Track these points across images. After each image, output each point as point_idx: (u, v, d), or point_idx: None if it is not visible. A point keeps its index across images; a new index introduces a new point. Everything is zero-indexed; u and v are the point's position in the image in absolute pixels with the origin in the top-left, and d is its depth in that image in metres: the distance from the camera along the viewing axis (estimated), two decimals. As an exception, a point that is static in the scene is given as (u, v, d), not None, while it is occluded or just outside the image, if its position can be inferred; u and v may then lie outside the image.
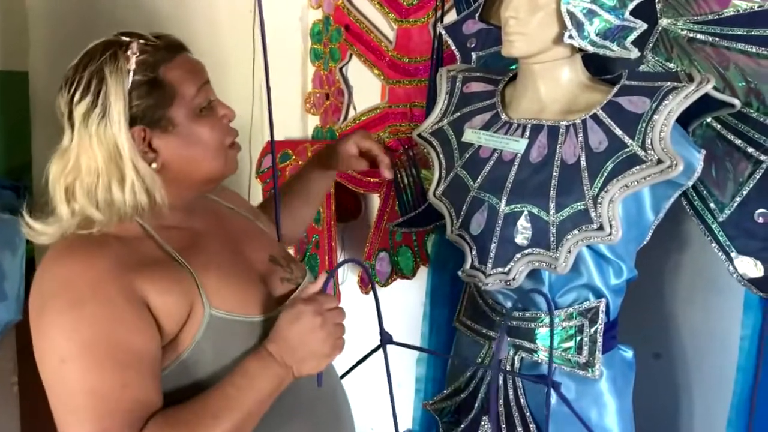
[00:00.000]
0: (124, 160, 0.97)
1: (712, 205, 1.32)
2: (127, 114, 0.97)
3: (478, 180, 1.35)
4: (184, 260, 1.01)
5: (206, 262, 1.03)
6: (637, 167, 1.19)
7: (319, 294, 1.02)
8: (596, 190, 1.22)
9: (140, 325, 0.94)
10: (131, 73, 0.97)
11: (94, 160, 0.97)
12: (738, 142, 1.30)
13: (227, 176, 1.08)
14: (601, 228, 1.21)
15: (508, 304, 1.37)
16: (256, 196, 2.15)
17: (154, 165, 1.00)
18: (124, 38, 1.00)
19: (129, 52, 0.98)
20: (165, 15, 2.57)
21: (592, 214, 1.22)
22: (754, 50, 1.28)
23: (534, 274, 1.30)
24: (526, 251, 1.27)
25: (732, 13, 1.30)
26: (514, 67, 1.42)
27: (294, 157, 2.06)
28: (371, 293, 1.89)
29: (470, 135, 1.39)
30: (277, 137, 2.19)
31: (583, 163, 1.24)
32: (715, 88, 1.26)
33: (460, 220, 1.37)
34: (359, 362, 1.33)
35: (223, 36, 2.36)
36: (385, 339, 1.21)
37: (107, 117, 0.96)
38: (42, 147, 2.70)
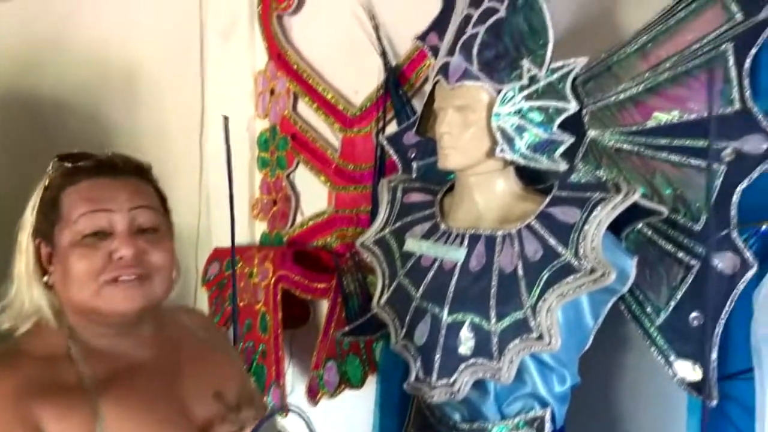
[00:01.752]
0: (23, 266, 1.02)
1: (648, 309, 1.34)
2: (32, 225, 1.02)
3: (421, 289, 1.36)
4: (94, 388, 0.97)
5: (120, 392, 0.98)
6: (572, 276, 1.21)
7: None
8: (534, 299, 1.23)
9: None
10: (44, 189, 1.02)
11: (16, 261, 1.04)
12: (669, 247, 1.34)
13: (108, 314, 1.00)
14: (540, 337, 1.22)
15: (456, 416, 1.35)
16: (202, 305, 2.11)
17: (45, 278, 1.02)
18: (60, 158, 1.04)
19: (47, 170, 1.04)
20: (116, 126, 2.60)
21: (532, 323, 1.23)
22: (677, 159, 1.34)
23: (479, 384, 1.29)
24: (470, 362, 1.27)
25: (654, 125, 1.37)
26: (452, 176, 1.47)
27: (241, 263, 2.05)
28: (321, 403, 1.86)
29: (411, 244, 1.41)
30: (224, 244, 2.20)
31: (521, 272, 1.26)
32: (644, 195, 1.32)
33: (404, 330, 1.37)
34: None
35: (172, 146, 2.38)
36: None
37: (22, 224, 1.03)
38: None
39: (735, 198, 1.27)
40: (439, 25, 1.61)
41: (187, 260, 2.17)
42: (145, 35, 2.49)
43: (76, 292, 0.99)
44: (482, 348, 1.27)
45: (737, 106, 1.29)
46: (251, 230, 2.21)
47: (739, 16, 1.30)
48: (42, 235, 1.02)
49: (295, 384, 1.99)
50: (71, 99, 2.72)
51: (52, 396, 0.94)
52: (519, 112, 1.28)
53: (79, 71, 2.60)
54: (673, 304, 1.32)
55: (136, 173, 1.06)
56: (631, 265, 1.28)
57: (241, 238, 2.21)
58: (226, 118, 1.14)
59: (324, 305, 2.00)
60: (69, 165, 1.02)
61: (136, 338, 1.05)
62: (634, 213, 1.31)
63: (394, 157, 1.70)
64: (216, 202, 2.24)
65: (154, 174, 1.11)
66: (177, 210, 1.12)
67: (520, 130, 1.29)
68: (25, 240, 1.03)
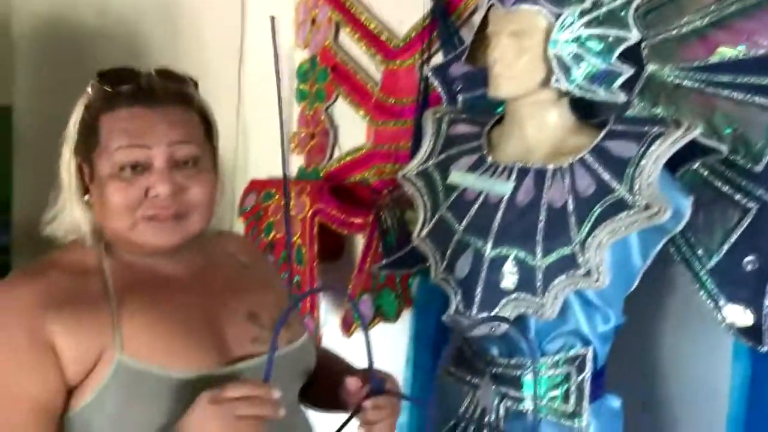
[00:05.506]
0: (62, 182, 1.01)
1: (700, 251, 1.30)
2: (74, 142, 1.01)
3: (464, 223, 1.33)
4: (117, 299, 0.95)
5: (143, 303, 0.96)
6: (625, 213, 1.17)
7: (235, 396, 0.88)
8: (583, 235, 1.20)
9: (37, 370, 0.90)
10: (84, 109, 1.00)
11: (60, 173, 1.03)
12: (725, 188, 1.29)
13: (143, 246, 0.99)
14: (588, 274, 1.18)
15: (494, 351, 1.33)
16: (238, 236, 2.11)
17: (86, 197, 1.01)
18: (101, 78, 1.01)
19: (87, 88, 1.01)
20: (151, 54, 2.57)
21: (579, 260, 1.20)
22: (739, 97, 1.28)
23: (520, 320, 1.27)
24: (512, 296, 1.25)
25: (718, 60, 1.30)
26: (500, 109, 1.42)
27: (277, 196, 2.03)
28: (354, 337, 1.86)
29: (456, 177, 1.38)
30: (261, 176, 2.19)
31: (571, 207, 1.22)
32: (703, 133, 1.26)
33: (444, 263, 1.35)
34: (348, 420, 1.10)
35: (210, 77, 2.33)
36: (375, 388, 1.05)
37: (66, 137, 1.01)
38: (24, 183, 2.66)
39: (800, 139, 1.21)
40: (493, -50, 1.54)
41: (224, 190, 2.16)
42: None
43: (112, 222, 0.98)
44: (526, 283, 1.24)
45: (810, 41, 1.22)
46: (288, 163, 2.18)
47: (818, -56, 1.22)
48: (82, 156, 1.00)
49: (327, 317, 1.99)
50: (109, 30, 2.69)
51: (71, 307, 0.93)
52: (577, 39, 1.22)
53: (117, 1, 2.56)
54: (726, 247, 1.27)
55: (177, 101, 1.00)
56: (687, 204, 1.23)
57: (278, 172, 2.20)
58: (272, 19, 1.06)
59: (357, 241, 1.99)
60: (108, 89, 0.99)
61: (172, 257, 1.03)
62: (691, 151, 1.26)
63: (439, 90, 1.65)
64: (254, 133, 2.22)
65: (198, 96, 1.05)
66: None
67: (577, 59, 1.23)
68: (67, 155, 1.02)
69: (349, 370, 1.14)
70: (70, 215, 1.01)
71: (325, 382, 1.13)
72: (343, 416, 1.08)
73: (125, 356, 0.92)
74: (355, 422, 1.06)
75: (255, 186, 2.11)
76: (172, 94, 1.00)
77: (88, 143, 0.99)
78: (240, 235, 1.24)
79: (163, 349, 0.94)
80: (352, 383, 1.04)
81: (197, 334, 0.97)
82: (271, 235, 2.04)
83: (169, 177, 0.96)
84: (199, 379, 0.92)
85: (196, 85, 1.06)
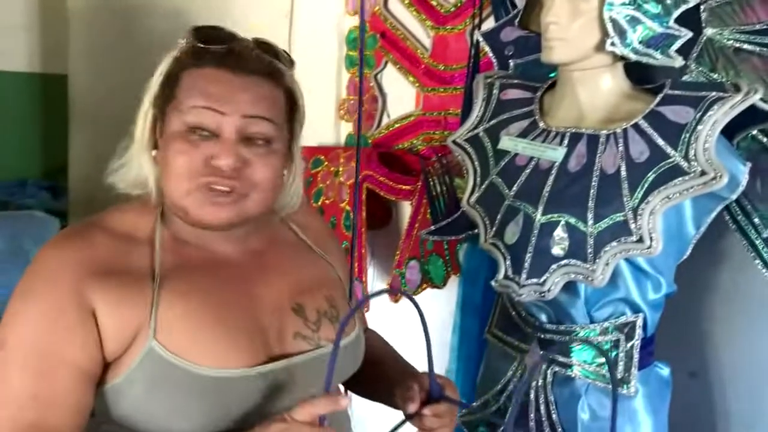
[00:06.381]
0: (136, 131, 0.97)
1: (756, 220, 1.28)
2: (153, 94, 0.96)
3: (514, 188, 1.33)
4: (159, 279, 0.91)
5: (185, 292, 0.92)
6: (680, 179, 1.16)
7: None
8: (636, 201, 1.18)
9: (78, 334, 0.87)
10: (173, 60, 0.96)
11: (136, 122, 0.98)
12: (785, 155, 1.26)
13: (194, 218, 0.93)
14: (640, 240, 1.17)
15: (542, 317, 1.34)
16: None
17: (154, 152, 0.96)
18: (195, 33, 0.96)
19: (179, 43, 0.96)
20: (199, 23, 2.59)
21: (632, 226, 1.18)
22: (803, 61, 1.24)
23: (569, 287, 1.27)
24: (562, 262, 1.24)
25: (781, 23, 1.27)
26: (553, 75, 1.40)
27: (326, 163, 2.05)
28: (401, 302, 1.88)
29: (507, 142, 1.37)
30: (310, 143, 2.20)
31: (624, 173, 1.21)
32: (762, 99, 1.23)
33: (494, 228, 1.35)
34: (401, 423, 1.00)
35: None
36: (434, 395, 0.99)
37: (149, 86, 0.97)
38: (79, 149, 2.73)
39: None
40: None
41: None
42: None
43: (170, 184, 0.94)
44: (576, 249, 1.23)
45: None
46: (337, 131, 2.19)
47: None
48: (158, 108, 0.95)
49: (375, 284, 2.02)
50: (160, 1, 2.72)
51: (114, 278, 0.90)
52: (634, 2, 1.20)
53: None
54: (784, 215, 1.25)
55: (266, 74, 0.94)
56: (743, 171, 1.21)
57: (327, 139, 2.21)
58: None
59: (405, 209, 1.99)
60: (199, 45, 0.94)
61: (226, 236, 0.98)
62: (749, 117, 1.23)
63: (490, 55, 1.63)
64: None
65: (291, 75, 1.00)
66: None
67: (633, 22, 1.20)
68: (146, 104, 0.97)
69: (407, 370, 1.09)
70: (137, 167, 0.97)
71: (379, 377, 1.10)
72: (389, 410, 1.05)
73: (155, 343, 0.89)
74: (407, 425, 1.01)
75: (304, 153, 2.12)
76: (263, 65, 0.95)
77: (166, 95, 0.94)
78: (315, 210, 1.17)
79: (193, 345, 0.90)
80: (413, 392, 0.98)
81: (234, 332, 0.93)
82: (320, 200, 2.06)
83: (234, 149, 0.91)
84: (228, 379, 0.90)
85: (292, 63, 1.01)
